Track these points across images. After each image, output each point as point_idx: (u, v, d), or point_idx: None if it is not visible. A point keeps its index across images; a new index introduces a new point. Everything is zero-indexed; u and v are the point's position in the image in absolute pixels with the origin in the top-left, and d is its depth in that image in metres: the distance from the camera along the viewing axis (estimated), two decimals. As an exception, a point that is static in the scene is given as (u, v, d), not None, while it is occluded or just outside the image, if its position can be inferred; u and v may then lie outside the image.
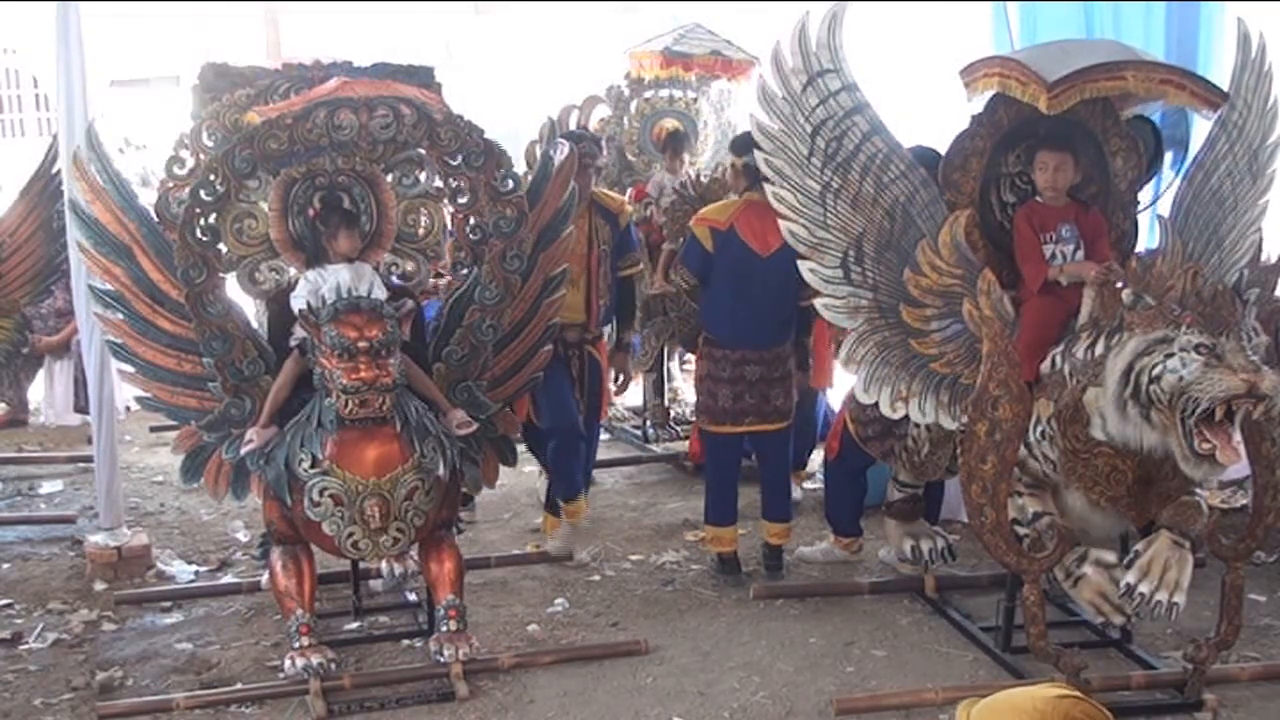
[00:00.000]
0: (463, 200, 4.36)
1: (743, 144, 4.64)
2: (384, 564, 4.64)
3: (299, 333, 4.15)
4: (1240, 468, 3.92)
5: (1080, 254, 4.05)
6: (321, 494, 3.92)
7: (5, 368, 5.36)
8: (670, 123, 7.67)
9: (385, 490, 3.93)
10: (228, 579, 5.26)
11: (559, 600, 4.92)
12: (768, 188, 4.04)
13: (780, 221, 4.02)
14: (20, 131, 13.90)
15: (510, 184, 4.32)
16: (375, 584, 4.91)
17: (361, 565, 4.67)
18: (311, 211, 4.30)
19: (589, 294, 5.33)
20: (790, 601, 4.86)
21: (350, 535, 3.97)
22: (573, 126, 7.51)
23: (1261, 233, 4.28)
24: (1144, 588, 3.64)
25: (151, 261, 4.22)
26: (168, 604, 4.94)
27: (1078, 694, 1.91)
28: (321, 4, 11.05)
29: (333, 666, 4.08)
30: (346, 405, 3.86)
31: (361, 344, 3.84)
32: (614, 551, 5.48)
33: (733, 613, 4.77)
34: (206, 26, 11.11)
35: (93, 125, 4.54)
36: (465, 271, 4.49)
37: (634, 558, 5.27)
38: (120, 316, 4.24)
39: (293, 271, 4.31)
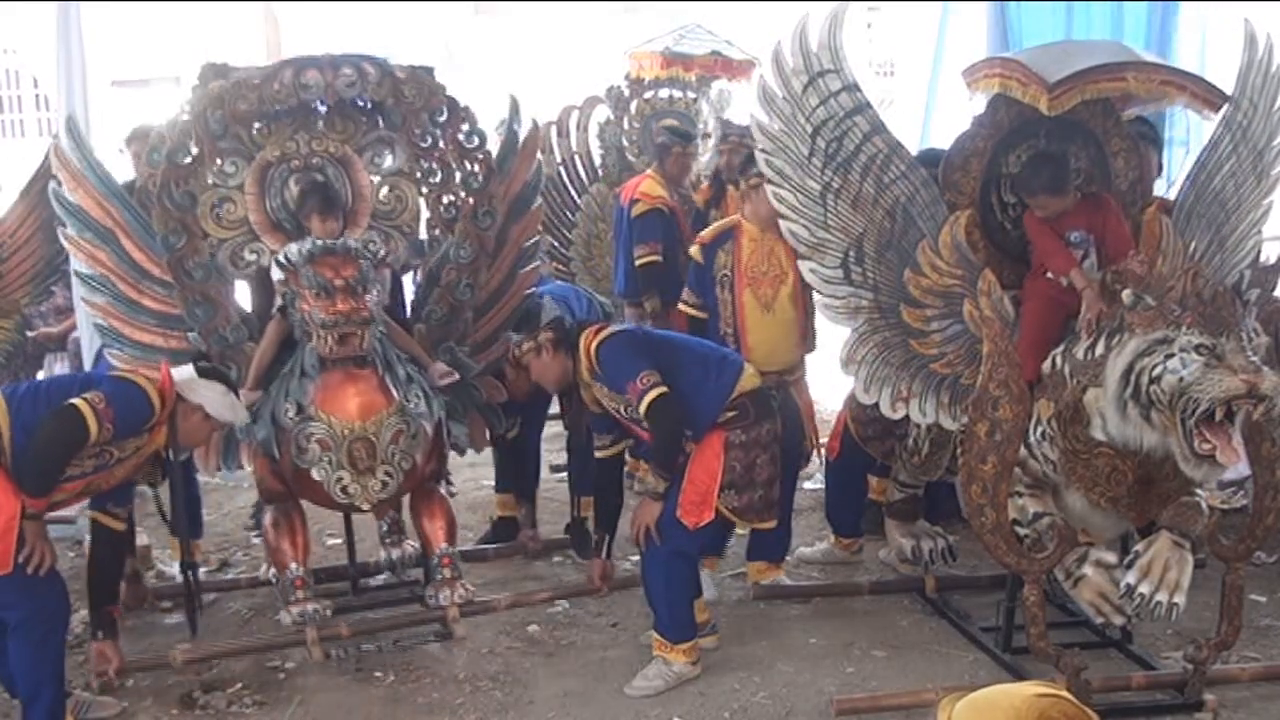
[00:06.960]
0: (435, 180, 4.60)
1: None
2: (382, 554, 4.71)
3: (280, 302, 4.31)
4: (1240, 468, 3.92)
5: (1090, 260, 4.03)
6: (308, 439, 4.08)
7: (5, 368, 5.35)
8: (670, 123, 7.65)
9: (370, 433, 4.09)
10: (227, 579, 5.25)
11: (559, 600, 4.92)
12: (768, 188, 4.04)
13: (781, 222, 4.02)
14: (20, 132, 13.91)
15: (476, 140, 4.55)
16: (375, 582, 4.92)
17: (359, 560, 4.71)
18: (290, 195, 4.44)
19: None
20: (790, 602, 4.86)
21: (339, 479, 4.10)
22: (573, 127, 7.52)
23: (1263, 234, 4.28)
24: (1144, 588, 3.64)
25: (134, 242, 4.36)
26: (168, 604, 4.94)
27: (1058, 692, 1.90)
28: (321, 4, 11.06)
29: (327, 614, 4.22)
30: (325, 342, 4.01)
31: (338, 282, 4.03)
32: (614, 551, 5.46)
33: (733, 613, 4.77)
34: (206, 26, 11.12)
35: (72, 116, 4.72)
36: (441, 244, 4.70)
37: (634, 558, 5.26)
38: (106, 299, 4.38)
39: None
